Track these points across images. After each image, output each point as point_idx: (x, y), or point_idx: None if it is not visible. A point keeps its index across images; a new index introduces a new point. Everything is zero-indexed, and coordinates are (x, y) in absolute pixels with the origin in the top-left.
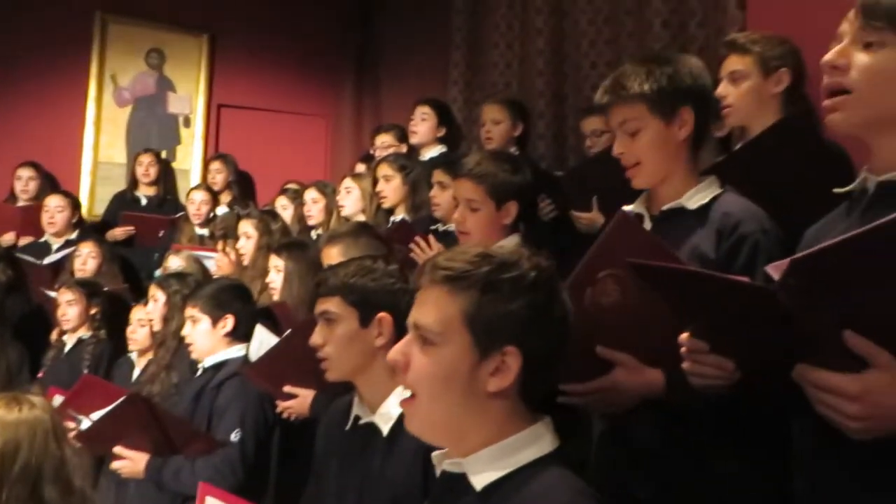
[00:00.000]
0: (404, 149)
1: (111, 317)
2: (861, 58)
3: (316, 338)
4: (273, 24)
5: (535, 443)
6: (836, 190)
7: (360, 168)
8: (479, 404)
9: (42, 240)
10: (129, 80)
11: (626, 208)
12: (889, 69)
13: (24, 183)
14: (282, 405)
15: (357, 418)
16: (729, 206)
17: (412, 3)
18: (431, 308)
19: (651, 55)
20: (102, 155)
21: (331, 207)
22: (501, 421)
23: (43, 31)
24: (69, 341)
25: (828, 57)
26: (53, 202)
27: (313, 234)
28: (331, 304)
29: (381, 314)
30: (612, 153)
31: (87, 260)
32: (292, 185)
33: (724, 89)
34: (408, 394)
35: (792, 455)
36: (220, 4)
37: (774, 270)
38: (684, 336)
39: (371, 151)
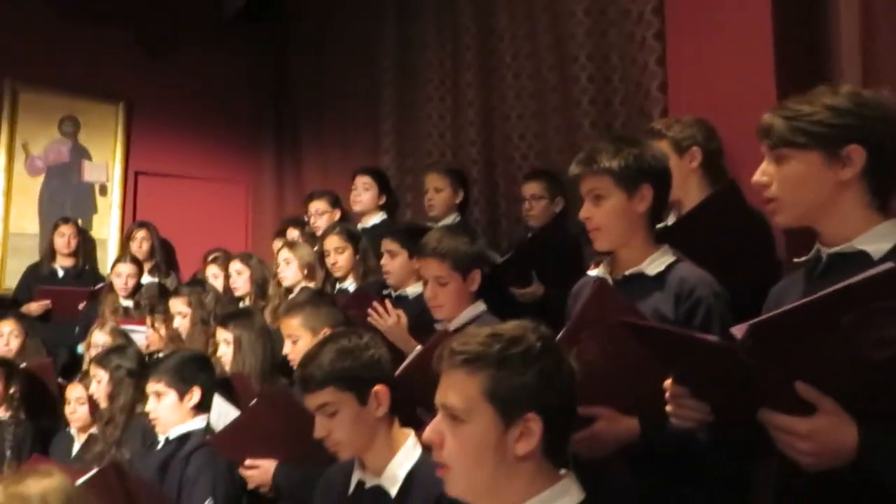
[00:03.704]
0: (338, 214)
1: (30, 395)
2: (776, 172)
3: (320, 431)
4: (189, 90)
5: (564, 496)
6: (796, 260)
7: (293, 234)
8: (509, 468)
9: None
10: (42, 149)
11: (591, 273)
12: (795, 177)
13: None
14: (243, 472)
15: (360, 483)
16: (684, 273)
17: (332, 69)
18: (455, 390)
19: (622, 136)
20: (13, 226)
21: (255, 278)
22: (532, 479)
23: None
24: None
25: (755, 178)
26: None
27: (241, 305)
28: (326, 396)
29: (376, 387)
30: (579, 217)
31: (9, 339)
32: (220, 253)
33: None
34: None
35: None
36: (136, 72)
37: (738, 331)
38: (668, 382)
39: (305, 218)
